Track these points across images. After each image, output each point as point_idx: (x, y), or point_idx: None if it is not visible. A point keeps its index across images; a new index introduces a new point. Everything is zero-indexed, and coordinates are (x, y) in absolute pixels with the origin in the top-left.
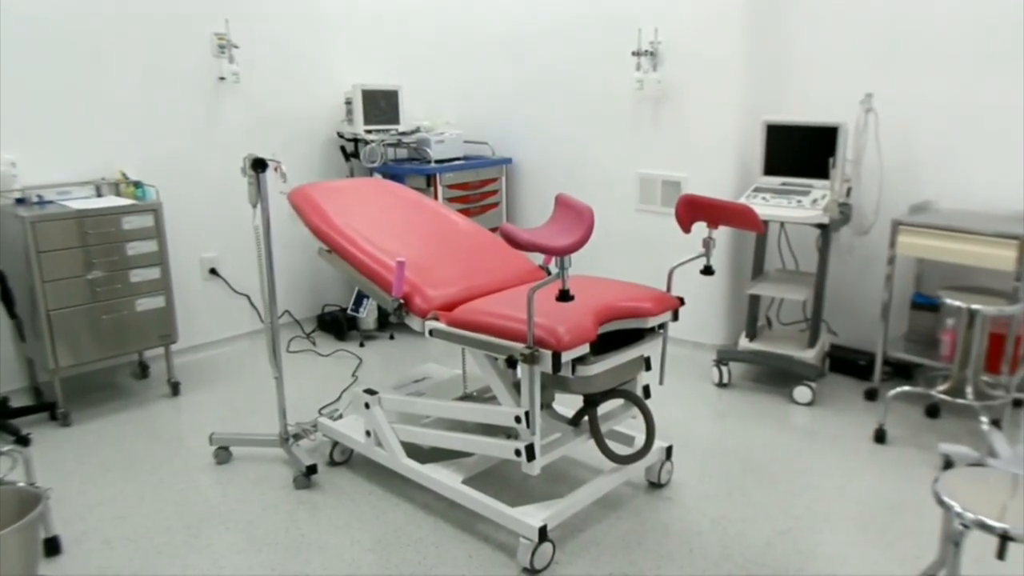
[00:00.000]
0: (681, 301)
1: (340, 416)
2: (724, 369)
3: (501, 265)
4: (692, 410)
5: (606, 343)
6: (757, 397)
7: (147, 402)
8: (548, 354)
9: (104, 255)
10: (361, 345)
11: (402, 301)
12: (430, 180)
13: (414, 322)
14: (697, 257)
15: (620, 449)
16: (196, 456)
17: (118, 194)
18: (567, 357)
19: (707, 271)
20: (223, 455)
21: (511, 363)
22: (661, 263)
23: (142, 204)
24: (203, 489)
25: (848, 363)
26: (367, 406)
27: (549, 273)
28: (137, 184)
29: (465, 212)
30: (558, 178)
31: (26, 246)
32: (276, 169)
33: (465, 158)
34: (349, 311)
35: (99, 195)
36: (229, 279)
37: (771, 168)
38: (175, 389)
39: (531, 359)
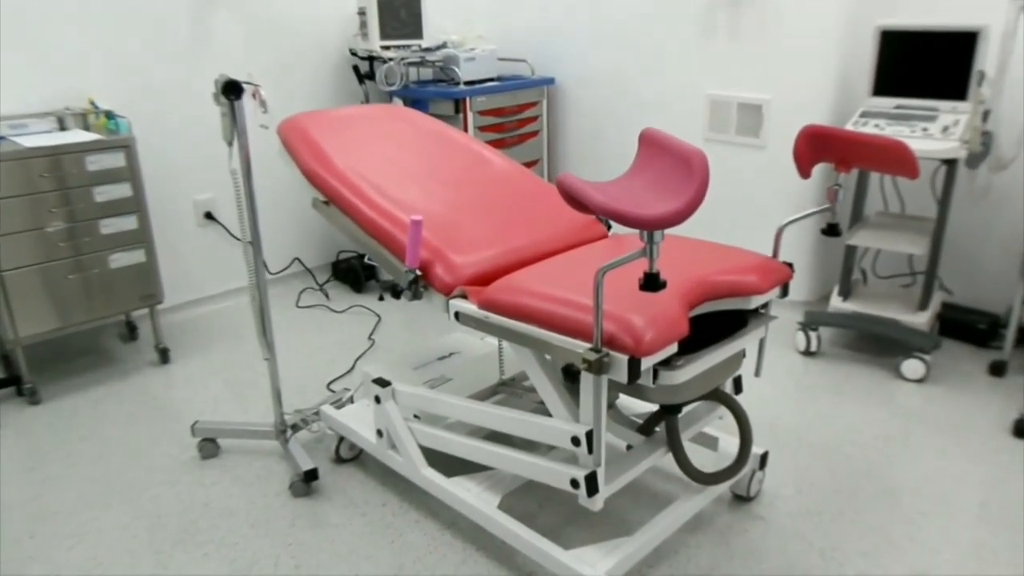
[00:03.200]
0: (791, 268)
1: (350, 399)
2: (812, 335)
3: (550, 219)
4: (776, 387)
5: (693, 331)
6: (854, 370)
7: (131, 372)
8: (623, 359)
9: (65, 203)
10: (381, 299)
11: (418, 273)
12: (458, 105)
13: (436, 300)
14: (820, 211)
15: (700, 455)
16: (178, 447)
17: (86, 127)
18: (648, 363)
19: (831, 231)
20: (209, 448)
21: (571, 375)
22: (734, 205)
23: (109, 140)
24: (182, 495)
25: (964, 326)
26: (378, 400)
27: (609, 228)
28: (109, 115)
29: (499, 143)
30: (609, 100)
31: None
32: (254, 95)
33: (500, 78)
34: (367, 259)
35: (62, 128)
36: (228, 224)
37: (883, 87)
38: (164, 356)
39: (598, 367)
